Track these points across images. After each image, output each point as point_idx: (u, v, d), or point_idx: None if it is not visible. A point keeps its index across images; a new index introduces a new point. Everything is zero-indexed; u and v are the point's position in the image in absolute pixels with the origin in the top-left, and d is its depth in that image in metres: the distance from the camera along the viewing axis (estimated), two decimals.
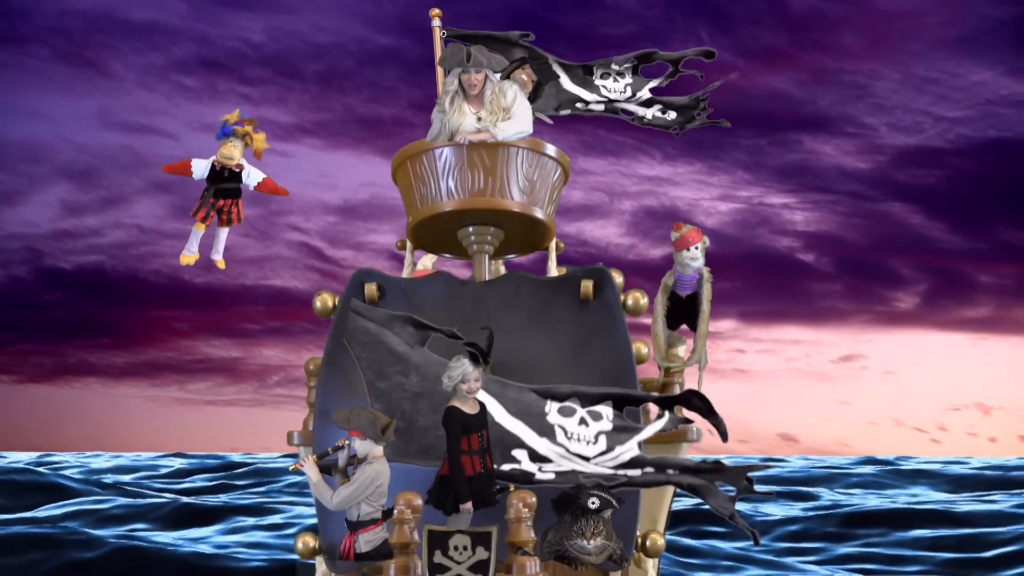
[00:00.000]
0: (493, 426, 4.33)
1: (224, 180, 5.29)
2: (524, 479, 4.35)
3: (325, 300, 5.15)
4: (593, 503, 4.23)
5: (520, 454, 4.38)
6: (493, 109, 5.16)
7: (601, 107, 5.79)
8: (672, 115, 5.81)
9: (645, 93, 5.80)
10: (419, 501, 4.14)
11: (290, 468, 4.36)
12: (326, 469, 4.24)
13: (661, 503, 5.67)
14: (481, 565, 3.99)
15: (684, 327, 5.62)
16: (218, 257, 5.52)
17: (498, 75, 5.50)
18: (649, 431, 4.41)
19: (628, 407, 4.44)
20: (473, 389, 4.21)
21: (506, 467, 4.36)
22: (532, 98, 5.56)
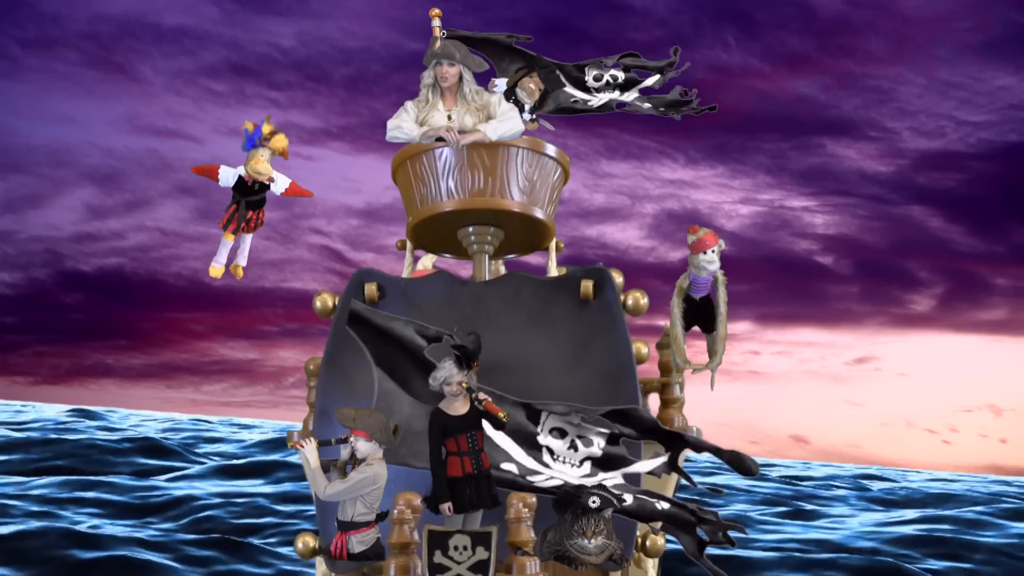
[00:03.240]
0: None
1: (253, 192, 5.30)
2: (514, 486, 4.36)
3: (325, 300, 5.15)
4: (594, 502, 4.22)
5: (509, 467, 4.40)
6: (469, 108, 5.18)
7: (596, 103, 5.77)
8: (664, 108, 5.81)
9: (634, 93, 5.80)
10: (419, 501, 4.14)
11: (289, 444, 4.36)
12: (325, 465, 4.25)
13: None
14: (481, 565, 3.99)
15: (695, 328, 5.60)
16: (243, 263, 5.53)
17: (502, 81, 5.50)
18: (639, 468, 4.43)
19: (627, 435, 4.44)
20: (456, 392, 4.21)
21: (495, 474, 4.37)
22: (538, 106, 5.55)
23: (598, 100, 5.74)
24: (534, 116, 5.58)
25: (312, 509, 4.96)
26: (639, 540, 4.67)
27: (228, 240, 5.43)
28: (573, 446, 4.42)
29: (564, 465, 4.41)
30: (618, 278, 5.35)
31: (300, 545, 4.55)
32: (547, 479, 4.39)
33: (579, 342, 5.01)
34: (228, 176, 5.27)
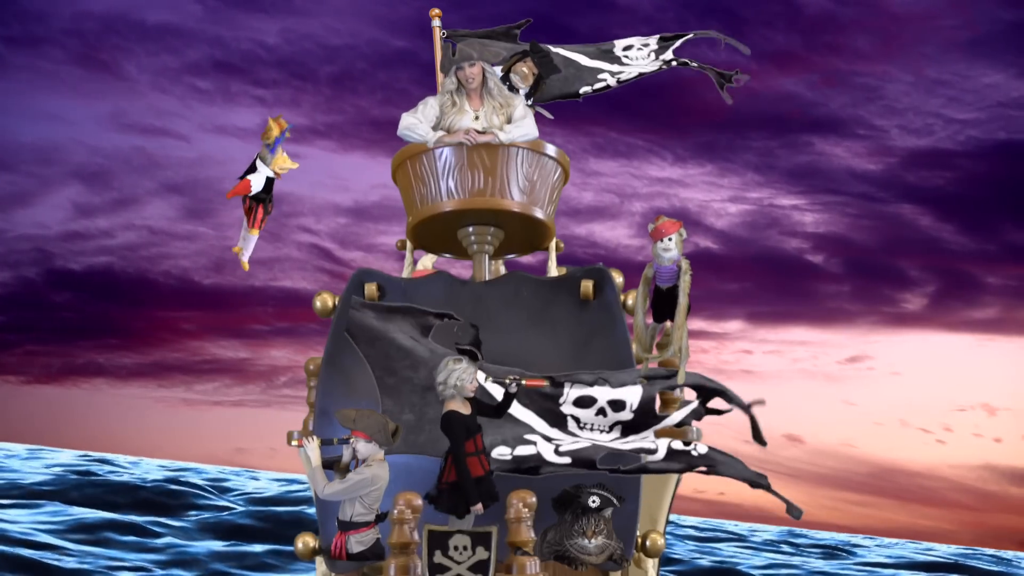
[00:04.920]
0: (504, 417, 4.35)
1: (272, 187, 5.32)
2: (539, 463, 4.34)
3: (325, 300, 5.15)
4: (594, 502, 4.22)
5: (533, 437, 4.38)
6: (495, 105, 5.18)
7: (626, 74, 5.72)
8: (695, 64, 5.78)
9: (668, 55, 5.79)
10: (419, 501, 4.13)
11: (291, 443, 4.35)
12: (327, 464, 4.25)
13: (661, 503, 5.66)
14: (481, 565, 3.98)
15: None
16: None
17: (497, 68, 5.49)
18: (672, 419, 4.41)
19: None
20: (473, 390, 4.22)
21: (521, 451, 4.36)
22: (532, 92, 5.54)
23: (624, 70, 5.70)
24: (531, 103, 5.54)
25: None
26: (639, 540, 4.66)
27: (254, 234, 5.46)
28: (602, 412, 4.40)
29: (592, 432, 4.40)
30: (618, 278, 5.34)
31: (300, 545, 4.55)
32: (575, 444, 4.36)
33: (579, 342, 5.01)
34: (259, 182, 5.28)
